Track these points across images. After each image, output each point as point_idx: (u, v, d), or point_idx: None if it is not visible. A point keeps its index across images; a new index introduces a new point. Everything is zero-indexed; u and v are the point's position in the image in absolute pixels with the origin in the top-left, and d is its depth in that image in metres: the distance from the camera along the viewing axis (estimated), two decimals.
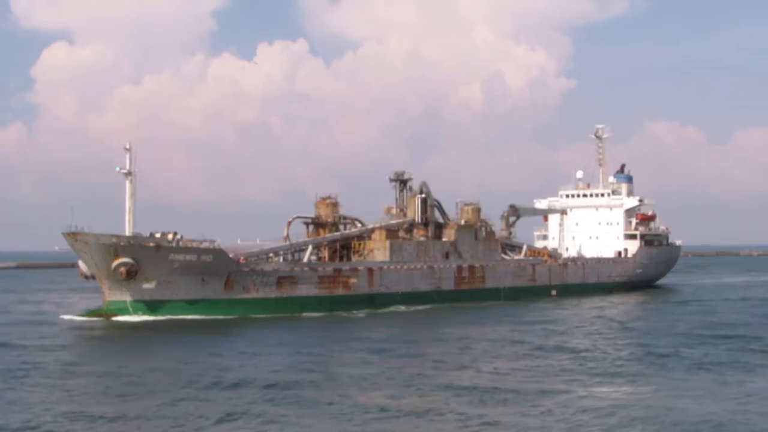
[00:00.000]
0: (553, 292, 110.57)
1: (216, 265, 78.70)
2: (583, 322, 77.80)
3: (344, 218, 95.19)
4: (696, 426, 34.64)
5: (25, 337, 64.57)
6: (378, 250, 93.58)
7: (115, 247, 74.24)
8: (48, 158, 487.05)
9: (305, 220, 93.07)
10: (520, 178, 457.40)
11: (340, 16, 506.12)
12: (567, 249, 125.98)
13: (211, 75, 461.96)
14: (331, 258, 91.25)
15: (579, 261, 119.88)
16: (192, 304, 77.51)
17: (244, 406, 38.19)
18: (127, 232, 77.04)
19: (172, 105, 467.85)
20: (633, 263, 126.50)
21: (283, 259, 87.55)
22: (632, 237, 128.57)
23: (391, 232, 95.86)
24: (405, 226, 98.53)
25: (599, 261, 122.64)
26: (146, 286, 75.87)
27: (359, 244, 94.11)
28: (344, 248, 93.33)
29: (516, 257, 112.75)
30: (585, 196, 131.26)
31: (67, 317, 77.34)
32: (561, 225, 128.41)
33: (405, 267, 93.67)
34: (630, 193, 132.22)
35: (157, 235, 77.65)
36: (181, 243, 77.83)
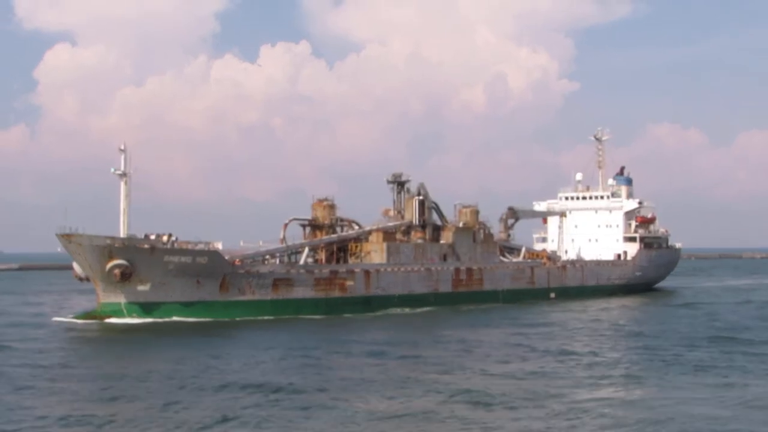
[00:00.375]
0: (552, 295, 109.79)
1: (211, 266, 78.02)
2: (583, 325, 77.09)
3: (341, 220, 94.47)
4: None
5: (16, 338, 63.99)
6: (375, 253, 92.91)
7: (110, 248, 73.57)
8: (50, 159, 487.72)
9: (302, 222, 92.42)
10: (522, 181, 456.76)
11: (342, 18, 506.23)
12: (566, 251, 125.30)
13: (214, 76, 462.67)
14: (328, 260, 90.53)
15: (578, 264, 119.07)
16: (187, 306, 76.87)
17: (239, 410, 37.56)
18: (122, 234, 76.37)
19: (174, 106, 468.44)
20: (632, 266, 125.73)
21: (280, 261, 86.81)
22: (632, 239, 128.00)
23: (388, 234, 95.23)
24: (402, 228, 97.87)
25: (598, 264, 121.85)
26: (141, 288, 75.22)
27: (356, 246, 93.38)
28: (341, 250, 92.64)
29: (514, 260, 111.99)
30: (584, 198, 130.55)
31: (60, 319, 76.74)
32: (560, 227, 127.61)
33: (402, 269, 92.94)
34: (630, 196, 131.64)
35: (152, 237, 76.96)
36: (176, 245, 77.12)
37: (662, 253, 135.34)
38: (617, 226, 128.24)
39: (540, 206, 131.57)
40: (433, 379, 46.00)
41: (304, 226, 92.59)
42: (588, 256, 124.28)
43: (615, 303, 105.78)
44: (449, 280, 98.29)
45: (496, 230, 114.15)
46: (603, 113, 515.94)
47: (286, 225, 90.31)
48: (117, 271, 73.33)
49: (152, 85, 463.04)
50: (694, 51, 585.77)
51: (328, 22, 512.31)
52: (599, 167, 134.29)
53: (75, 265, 78.33)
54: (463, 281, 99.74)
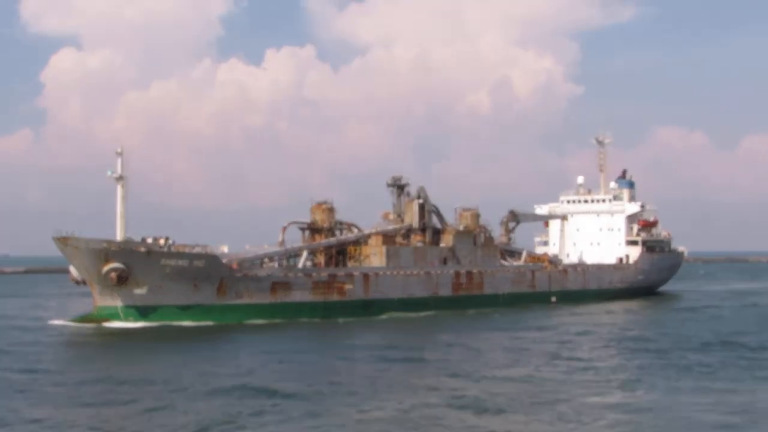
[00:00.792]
0: (553, 299, 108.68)
1: (208, 270, 77.27)
2: (584, 329, 76.00)
3: (340, 223, 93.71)
4: None
5: (10, 342, 63.40)
6: (374, 256, 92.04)
7: (106, 252, 72.95)
8: (55, 163, 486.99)
9: (301, 225, 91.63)
10: (527, 185, 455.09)
11: (347, 21, 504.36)
12: (568, 255, 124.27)
13: (219, 80, 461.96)
14: (327, 264, 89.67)
15: (579, 267, 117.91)
16: (184, 310, 76.19)
17: (233, 415, 36.88)
18: (119, 237, 75.82)
19: (179, 110, 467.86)
20: (634, 270, 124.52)
21: (278, 264, 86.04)
22: (634, 243, 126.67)
23: (387, 238, 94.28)
24: (402, 231, 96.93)
25: (600, 267, 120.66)
26: (137, 291, 74.57)
27: (355, 250, 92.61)
28: (340, 254, 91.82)
29: (515, 263, 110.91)
30: (586, 201, 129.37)
31: (57, 323, 76.06)
32: (562, 231, 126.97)
33: (401, 273, 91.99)
34: (632, 199, 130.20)
35: (149, 240, 76.24)
36: (172, 248, 76.40)
37: (664, 256, 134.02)
38: (619, 229, 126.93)
39: (541, 210, 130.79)
40: (432, 384, 45.29)
41: (303, 229, 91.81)
42: (590, 259, 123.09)
43: (617, 307, 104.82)
44: (449, 284, 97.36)
45: (498, 234, 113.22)
46: (608, 117, 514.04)
47: (284, 228, 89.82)
48: (113, 275, 72.68)
49: (157, 89, 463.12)
50: (699, 54, 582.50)
51: (333, 26, 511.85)
52: (601, 170, 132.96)
53: (72, 269, 77.86)
54: (463, 285, 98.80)
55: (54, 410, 38.23)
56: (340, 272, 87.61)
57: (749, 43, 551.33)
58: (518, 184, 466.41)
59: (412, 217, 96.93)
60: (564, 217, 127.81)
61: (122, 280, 73.23)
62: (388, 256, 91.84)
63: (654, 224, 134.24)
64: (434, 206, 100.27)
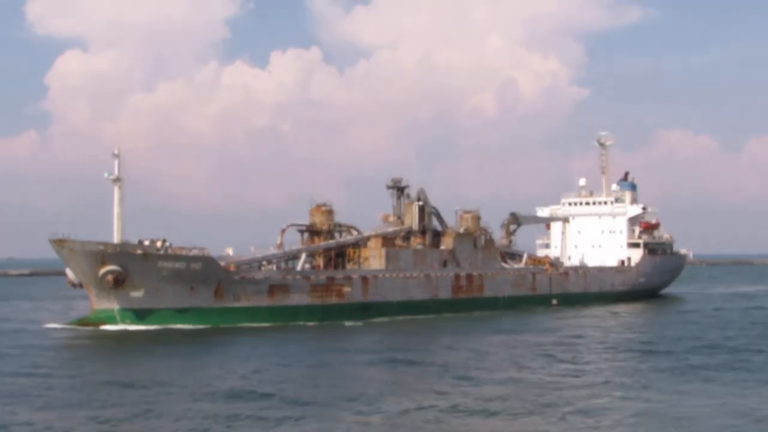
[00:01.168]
0: (554, 302, 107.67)
1: (205, 273, 76.47)
2: (586, 332, 75.21)
3: (340, 226, 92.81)
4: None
5: (5, 345, 62.66)
6: (374, 259, 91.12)
7: (102, 254, 72.24)
8: (60, 165, 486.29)
9: (300, 227, 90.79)
10: (531, 187, 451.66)
11: (353, 24, 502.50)
12: (569, 257, 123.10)
13: (224, 83, 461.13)
14: (326, 266, 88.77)
15: (581, 270, 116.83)
16: (181, 313, 75.35)
17: (226, 420, 36.18)
18: (116, 240, 75.03)
19: (185, 113, 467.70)
20: (636, 272, 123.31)
21: (276, 267, 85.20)
22: (635, 246, 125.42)
23: (387, 240, 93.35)
24: (402, 233, 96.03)
25: (601, 270, 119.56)
26: (134, 294, 73.78)
27: (354, 252, 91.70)
28: (339, 256, 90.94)
29: (516, 266, 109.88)
30: (588, 204, 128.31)
31: (53, 326, 75.32)
32: (563, 233, 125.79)
33: (401, 275, 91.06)
34: (634, 201, 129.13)
35: (146, 243, 75.50)
36: (169, 250, 75.63)
37: (667, 259, 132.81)
38: (621, 231, 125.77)
39: (543, 212, 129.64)
40: (433, 387, 44.64)
41: (302, 231, 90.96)
42: (591, 262, 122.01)
43: (618, 309, 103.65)
44: (449, 287, 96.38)
45: (499, 236, 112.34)
46: (613, 119, 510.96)
47: (283, 231, 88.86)
48: (110, 277, 71.96)
49: (163, 91, 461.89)
50: (704, 57, 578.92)
51: (339, 29, 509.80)
52: (603, 172, 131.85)
53: (68, 271, 77.13)
54: (463, 287, 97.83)
55: (48, 414, 37.63)
56: (339, 275, 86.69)
57: (754, 45, 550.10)
58: (522, 187, 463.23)
59: (412, 219, 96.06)
60: (565, 220, 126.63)
61: (119, 282, 72.46)
62: (388, 259, 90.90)
63: (656, 227, 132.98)
64: (434, 208, 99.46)
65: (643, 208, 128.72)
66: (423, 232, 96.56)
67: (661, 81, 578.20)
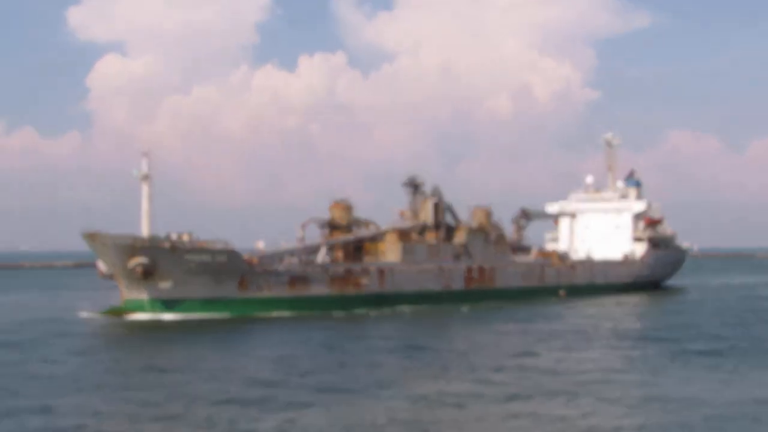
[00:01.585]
0: (562, 293, 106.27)
1: (230, 265, 75.73)
2: (592, 320, 74.15)
3: (358, 220, 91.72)
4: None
5: (41, 333, 62.35)
6: (390, 252, 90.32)
7: (132, 247, 71.58)
8: (100, 163, 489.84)
9: (320, 222, 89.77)
10: (542, 185, 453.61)
11: (376, 29, 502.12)
12: (576, 251, 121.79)
13: (255, 85, 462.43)
14: (345, 259, 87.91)
15: (587, 263, 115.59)
16: (207, 303, 74.68)
17: (260, 403, 35.32)
18: (144, 233, 74.26)
19: (218, 114, 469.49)
20: (640, 265, 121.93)
21: (297, 259, 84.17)
22: (639, 240, 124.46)
23: (403, 235, 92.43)
24: (417, 228, 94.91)
25: (607, 263, 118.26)
26: (163, 285, 73.14)
27: (372, 246, 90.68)
28: (357, 249, 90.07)
29: (526, 259, 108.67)
30: (594, 200, 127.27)
31: (86, 314, 74.99)
32: (571, 228, 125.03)
33: (415, 268, 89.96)
34: (638, 198, 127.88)
35: (173, 236, 74.66)
36: (195, 244, 74.79)
37: (669, 252, 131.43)
38: (626, 227, 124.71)
39: (552, 208, 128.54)
40: (448, 374, 43.68)
41: (322, 226, 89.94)
42: (597, 255, 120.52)
43: (623, 300, 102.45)
44: (461, 278, 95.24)
45: (510, 231, 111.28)
46: (622, 120, 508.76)
47: (304, 225, 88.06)
48: (139, 269, 71.37)
49: (197, 93, 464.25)
50: (711, 61, 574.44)
51: (363, 34, 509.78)
52: (609, 170, 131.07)
53: (99, 263, 76.54)
54: (475, 279, 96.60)
55: (90, 397, 36.98)
56: (357, 267, 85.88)
57: (759, 51, 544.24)
58: (534, 185, 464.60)
59: (427, 215, 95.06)
60: (573, 215, 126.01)
61: (148, 274, 71.87)
62: (403, 252, 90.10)
63: (659, 222, 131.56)
64: (448, 204, 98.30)
65: (648, 205, 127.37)
66: (437, 227, 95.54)
67: (668, 84, 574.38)
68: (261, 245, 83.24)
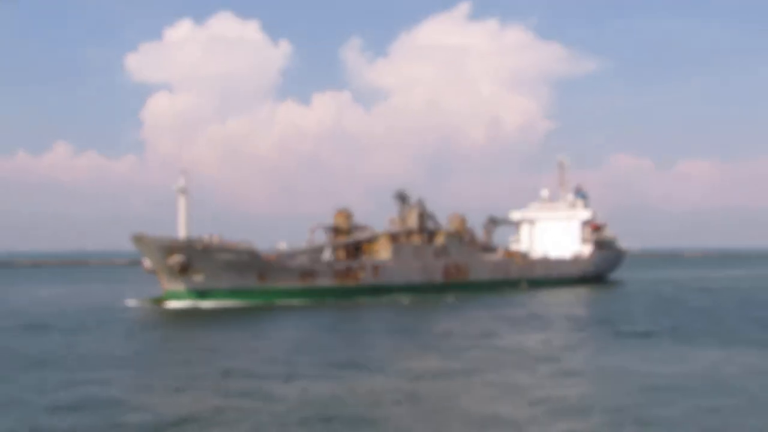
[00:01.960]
0: (523, 285, 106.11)
1: (251, 262, 75.62)
2: (550, 307, 74.06)
3: (356, 226, 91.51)
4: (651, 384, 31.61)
5: (94, 319, 62.04)
6: (383, 251, 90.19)
7: (171, 247, 71.32)
8: (152, 181, 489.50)
9: (326, 227, 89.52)
10: (509, 197, 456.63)
11: (376, 72, 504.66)
12: (535, 251, 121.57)
13: (278, 118, 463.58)
14: (346, 257, 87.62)
15: (544, 260, 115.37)
16: (233, 293, 74.46)
17: (286, 378, 34.90)
18: (182, 236, 74.00)
19: (248, 141, 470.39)
20: (587, 262, 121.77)
21: (307, 257, 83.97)
22: (586, 242, 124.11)
23: (393, 237, 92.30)
24: (405, 232, 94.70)
25: (560, 260, 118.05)
26: (196, 278, 72.89)
27: (368, 246, 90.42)
28: (356, 249, 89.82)
29: (494, 257, 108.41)
30: (549, 210, 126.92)
31: (132, 302, 74.53)
32: (530, 232, 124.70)
33: (403, 264, 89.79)
34: (585, 208, 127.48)
35: (206, 238, 74.40)
36: (223, 245, 74.56)
37: (611, 252, 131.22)
38: (575, 231, 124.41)
39: (515, 216, 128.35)
40: (432, 352, 43.51)
41: (327, 230, 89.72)
42: (552, 254, 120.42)
43: (573, 291, 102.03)
44: (441, 273, 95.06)
45: (480, 234, 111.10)
46: (574, 146, 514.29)
47: (313, 230, 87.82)
48: (177, 265, 71.09)
49: (232, 124, 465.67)
50: (644, 97, 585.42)
51: (365, 76, 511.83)
52: (561, 185, 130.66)
53: (145, 261, 76.11)
54: (452, 273, 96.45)
55: (140, 373, 36.54)
56: (355, 264, 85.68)
57: (684, 90, 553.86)
58: (503, 197, 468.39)
59: (413, 221, 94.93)
60: (532, 222, 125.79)
61: (184, 269, 71.66)
62: (394, 251, 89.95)
63: (602, 227, 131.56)
64: (430, 213, 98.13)
65: (593, 213, 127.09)
66: (421, 231, 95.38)
67: (610, 116, 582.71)
68: (283, 245, 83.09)
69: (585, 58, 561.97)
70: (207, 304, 71.93)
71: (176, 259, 70.96)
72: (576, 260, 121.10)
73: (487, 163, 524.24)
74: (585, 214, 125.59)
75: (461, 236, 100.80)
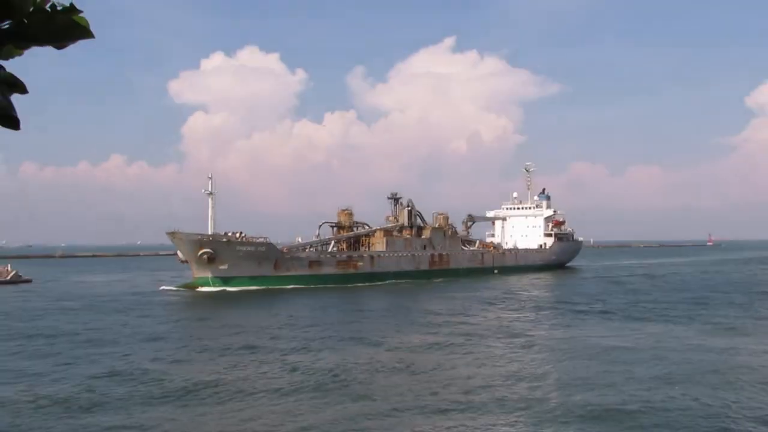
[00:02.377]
0: (496, 271, 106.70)
1: (268, 253, 75.82)
2: (519, 289, 74.41)
3: (357, 223, 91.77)
4: (600, 353, 31.90)
5: (135, 300, 62.27)
6: (378, 244, 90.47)
7: (200, 241, 71.43)
8: (192, 187, 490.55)
9: (331, 224, 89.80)
10: (485, 198, 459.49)
11: (376, 95, 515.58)
12: (506, 243, 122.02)
13: (295, 133, 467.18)
14: (347, 249, 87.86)
15: (514, 250, 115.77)
16: (252, 279, 74.64)
17: (303, 350, 34.83)
18: (209, 232, 74.18)
19: (270, 152, 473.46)
20: (549, 252, 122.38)
21: (315, 249, 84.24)
22: (549, 235, 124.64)
23: (387, 232, 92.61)
24: (397, 228, 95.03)
25: (527, 251, 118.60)
26: (221, 267, 73.03)
27: (366, 240, 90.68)
28: (356, 242, 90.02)
29: (471, 248, 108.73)
30: (518, 208, 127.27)
31: (166, 288, 74.64)
32: (503, 227, 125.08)
33: (396, 254, 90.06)
34: (548, 207, 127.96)
35: (229, 234, 74.57)
36: (244, 239, 74.73)
37: (570, 244, 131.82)
38: (539, 226, 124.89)
39: (490, 213, 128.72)
40: (421, 328, 43.54)
41: (332, 226, 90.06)
42: (521, 246, 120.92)
43: (538, 276, 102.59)
44: (427, 261, 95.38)
45: (461, 229, 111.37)
46: (541, 155, 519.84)
47: (320, 226, 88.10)
48: (205, 256, 71.30)
49: (256, 138, 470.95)
50: (600, 115, 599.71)
51: (367, 98, 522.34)
52: (528, 188, 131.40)
53: (178, 253, 76.25)
54: (436, 262, 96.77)
55: (180, 347, 36.22)
56: (355, 254, 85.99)
57: (632, 107, 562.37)
58: (482, 198, 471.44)
59: (404, 219, 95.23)
60: (504, 219, 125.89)
61: (211, 259, 71.82)
62: (387, 244, 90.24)
63: (563, 223, 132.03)
64: (418, 211, 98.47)
65: (554, 211, 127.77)
66: (410, 226, 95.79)
67: (571, 130, 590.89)
68: (299, 239, 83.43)
69: (549, 83, 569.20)
70: (230, 288, 72.26)
71: (204, 251, 71.17)
72: (540, 250, 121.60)
73: (469, 170, 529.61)
74: (548, 212, 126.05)
75: (444, 231, 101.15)
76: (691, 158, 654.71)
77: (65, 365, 30.40)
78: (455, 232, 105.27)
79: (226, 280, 73.24)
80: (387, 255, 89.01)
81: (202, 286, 72.71)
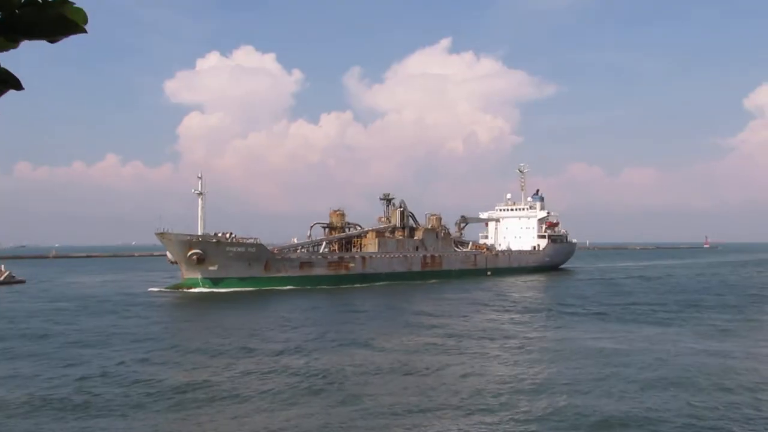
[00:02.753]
0: (488, 273, 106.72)
1: (258, 254, 75.55)
2: (511, 291, 74.50)
3: (348, 223, 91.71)
4: (594, 354, 31.95)
5: (122, 302, 61.80)
6: (370, 245, 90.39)
7: (189, 242, 71.11)
8: (187, 187, 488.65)
9: (322, 224, 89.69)
10: (482, 199, 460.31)
11: (373, 96, 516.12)
12: (500, 244, 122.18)
13: (291, 133, 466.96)
14: (339, 250, 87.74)
15: (507, 252, 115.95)
16: (242, 280, 74.37)
17: (295, 350, 34.95)
18: (199, 232, 73.90)
19: (266, 152, 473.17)
20: (543, 254, 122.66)
21: (306, 250, 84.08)
22: (543, 237, 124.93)
23: (379, 233, 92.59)
24: (389, 229, 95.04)
25: (520, 252, 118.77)
26: (211, 268, 72.80)
27: (358, 241, 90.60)
28: (348, 243, 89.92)
29: (464, 250, 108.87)
30: (512, 210, 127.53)
31: (154, 289, 74.15)
32: (496, 229, 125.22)
33: (388, 256, 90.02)
34: (542, 208, 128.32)
35: (219, 234, 74.27)
36: (234, 240, 74.42)
37: (564, 245, 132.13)
38: (533, 228, 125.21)
39: (483, 215, 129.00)
40: (415, 328, 43.63)
41: (324, 227, 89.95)
42: (514, 247, 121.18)
43: (531, 278, 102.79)
44: (419, 263, 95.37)
45: (453, 230, 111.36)
46: (537, 157, 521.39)
47: (311, 227, 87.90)
48: (194, 257, 71.03)
49: (252, 138, 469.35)
50: (595, 116, 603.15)
51: (364, 99, 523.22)
52: (522, 189, 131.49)
53: (168, 253, 75.83)
54: (428, 263, 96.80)
55: (169, 348, 36.08)
56: (347, 255, 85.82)
57: (628, 109, 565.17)
58: (478, 199, 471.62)
59: (396, 220, 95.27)
60: (498, 220, 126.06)
61: (201, 260, 71.52)
62: (379, 245, 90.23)
63: (556, 224, 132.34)
64: (411, 212, 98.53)
65: (548, 213, 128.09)
66: (403, 227, 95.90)
67: (567, 131, 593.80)
68: (295, 240, 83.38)
69: (545, 84, 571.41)
70: (219, 290, 71.95)
71: (194, 251, 70.91)
72: (533, 252, 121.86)
73: (464, 170, 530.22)
74: (541, 213, 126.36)
75: (437, 232, 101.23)
76: (688, 159, 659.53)
77: (57, 367, 30.25)
78: (448, 234, 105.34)
79: (215, 281, 72.94)
80: (379, 256, 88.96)
81: (191, 287, 72.37)
